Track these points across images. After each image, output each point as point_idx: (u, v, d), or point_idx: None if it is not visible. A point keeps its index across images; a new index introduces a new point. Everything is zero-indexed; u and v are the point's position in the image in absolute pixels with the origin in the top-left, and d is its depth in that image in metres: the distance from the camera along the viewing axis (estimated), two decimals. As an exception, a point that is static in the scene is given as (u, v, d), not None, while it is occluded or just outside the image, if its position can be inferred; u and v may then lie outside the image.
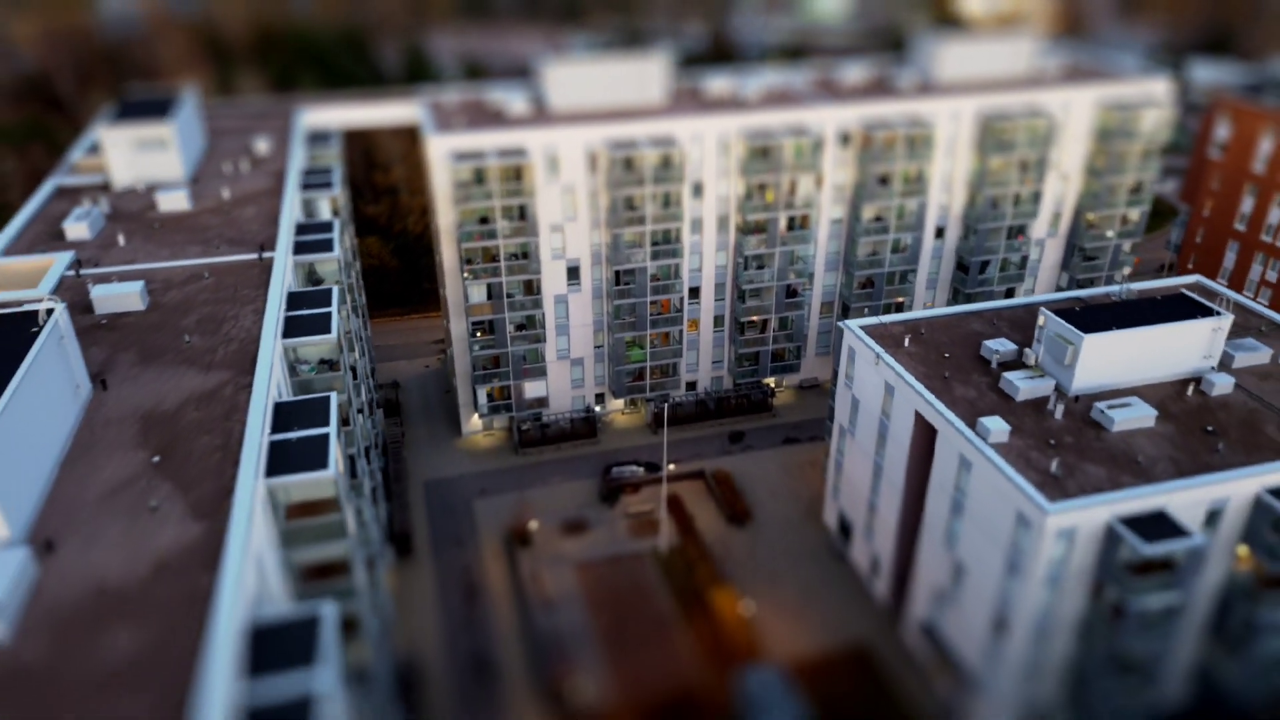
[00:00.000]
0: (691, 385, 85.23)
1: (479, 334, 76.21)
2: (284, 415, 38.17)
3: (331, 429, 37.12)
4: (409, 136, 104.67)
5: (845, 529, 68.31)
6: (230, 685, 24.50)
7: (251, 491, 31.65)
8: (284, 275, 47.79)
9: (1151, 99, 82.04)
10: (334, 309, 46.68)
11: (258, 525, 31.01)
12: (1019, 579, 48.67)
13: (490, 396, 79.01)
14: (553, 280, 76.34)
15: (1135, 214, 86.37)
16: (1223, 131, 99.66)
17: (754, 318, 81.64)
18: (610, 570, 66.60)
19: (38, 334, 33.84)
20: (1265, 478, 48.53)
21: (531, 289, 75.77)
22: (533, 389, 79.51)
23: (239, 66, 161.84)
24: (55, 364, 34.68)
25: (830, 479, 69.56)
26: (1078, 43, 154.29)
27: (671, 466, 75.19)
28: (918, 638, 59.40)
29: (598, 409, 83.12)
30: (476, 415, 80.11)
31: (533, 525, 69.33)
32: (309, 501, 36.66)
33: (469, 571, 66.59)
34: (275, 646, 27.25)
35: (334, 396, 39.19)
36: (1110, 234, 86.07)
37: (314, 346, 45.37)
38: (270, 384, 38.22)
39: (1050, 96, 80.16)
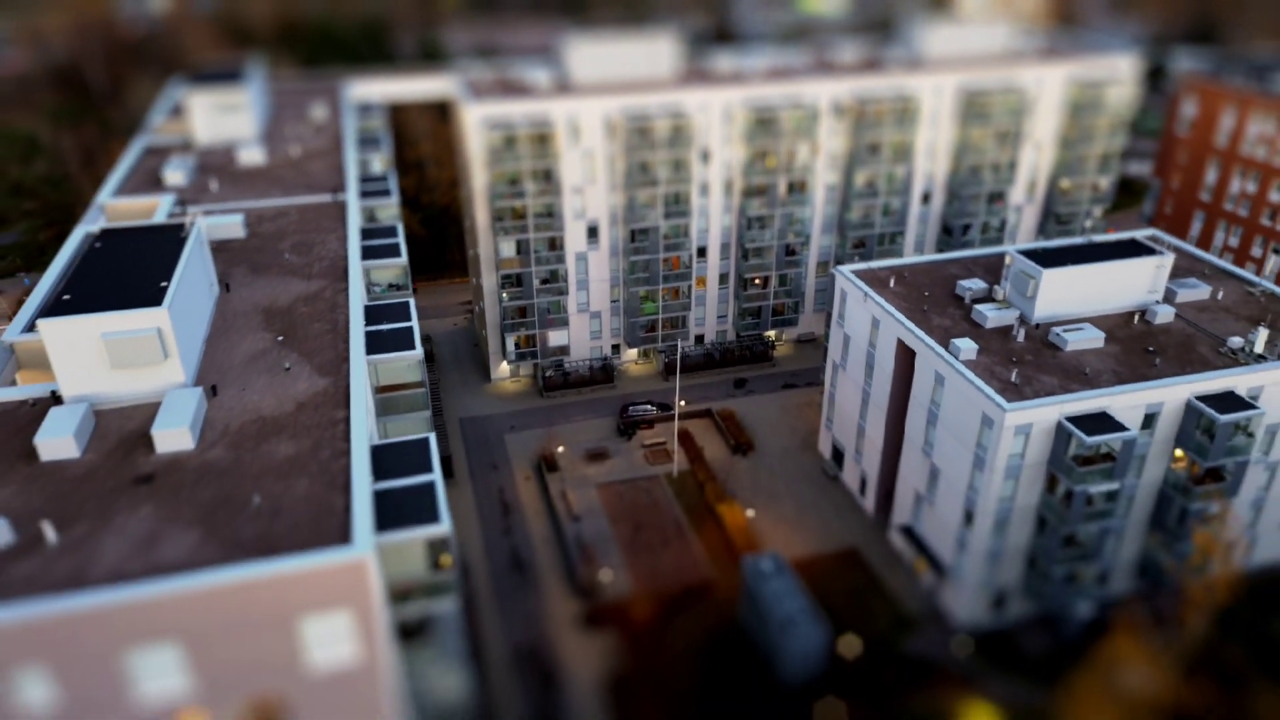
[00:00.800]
0: (699, 338, 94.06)
1: (508, 286, 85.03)
2: (372, 314, 47.03)
3: (414, 323, 45.99)
4: (436, 113, 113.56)
5: (838, 455, 77.20)
6: (368, 473, 33.33)
7: (364, 356, 40.55)
8: (356, 212, 56.69)
9: (1117, 76, 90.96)
10: (400, 240, 55.54)
11: (365, 387, 39.84)
12: (983, 473, 57.51)
13: (517, 344, 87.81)
14: (574, 238, 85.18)
15: (1104, 182, 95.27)
16: (1189, 110, 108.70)
17: (756, 275, 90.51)
18: (628, 490, 75.46)
19: (186, 239, 42.64)
20: (1195, 386, 57.38)
21: (555, 245, 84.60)
22: (556, 338, 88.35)
23: (264, 55, 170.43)
24: (199, 263, 43.46)
25: (824, 412, 78.45)
26: (1068, 34, 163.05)
27: (682, 404, 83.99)
28: (900, 539, 68.29)
29: (614, 358, 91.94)
30: (505, 362, 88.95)
31: (560, 450, 78.18)
32: (395, 384, 45.48)
33: (503, 492, 75.43)
34: (397, 457, 36.09)
35: (411, 300, 48.08)
36: (1083, 201, 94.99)
37: (386, 270, 54.22)
38: (361, 288, 47.12)
39: (1025, 73, 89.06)
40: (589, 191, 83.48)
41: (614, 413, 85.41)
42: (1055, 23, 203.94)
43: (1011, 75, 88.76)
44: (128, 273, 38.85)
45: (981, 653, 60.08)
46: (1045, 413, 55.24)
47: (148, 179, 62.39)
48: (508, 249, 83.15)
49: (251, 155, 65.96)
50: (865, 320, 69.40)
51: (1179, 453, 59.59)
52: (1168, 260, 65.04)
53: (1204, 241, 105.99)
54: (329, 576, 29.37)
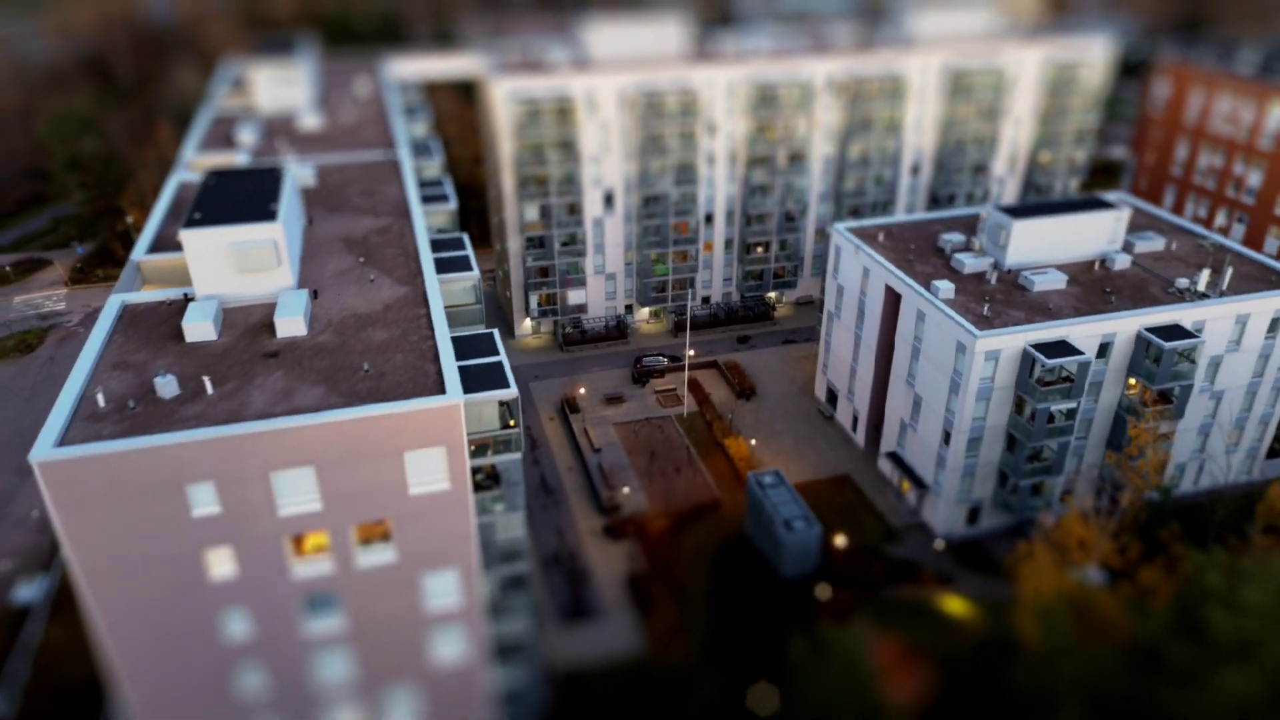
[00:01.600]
0: (706, 299, 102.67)
1: (531, 248, 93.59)
2: (432, 245, 55.57)
3: (469, 252, 54.57)
4: (461, 95, 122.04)
5: (832, 397, 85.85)
6: (451, 349, 41.87)
7: (434, 272, 49.18)
8: (410, 166, 65.34)
9: (1089, 58, 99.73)
10: (448, 189, 64.11)
11: (439, 293, 48.32)
12: (959, 395, 66.16)
13: (539, 303, 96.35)
14: (591, 204, 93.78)
15: (1079, 155, 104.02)
16: (1162, 91, 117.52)
17: (758, 240, 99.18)
18: (643, 427, 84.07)
19: (282, 176, 51.22)
20: (1144, 319, 66.06)
21: (574, 210, 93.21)
22: (575, 296, 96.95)
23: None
24: (294, 197, 52.07)
25: (820, 359, 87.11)
26: (1060, 26, 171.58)
27: (691, 353, 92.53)
28: (887, 464, 76.95)
29: (627, 316, 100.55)
30: (528, 319, 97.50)
31: (581, 391, 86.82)
32: (455, 304, 53.97)
33: (531, 429, 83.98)
34: (469, 344, 44.65)
35: (465, 236, 56.69)
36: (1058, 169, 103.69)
37: (437, 215, 62.81)
38: (424, 222, 55.75)
39: (1005, 54, 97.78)
40: (605, 161, 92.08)
41: (628, 364, 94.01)
42: (1050, 16, 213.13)
43: (992, 56, 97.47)
44: (242, 200, 47.37)
45: (957, 557, 68.73)
46: (1012, 340, 63.88)
47: (221, 140, 70.97)
48: (532, 213, 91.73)
49: (309, 121, 74.60)
50: (857, 271, 78.08)
51: (1132, 381, 68.18)
52: (1124, 214, 73.74)
53: (1175, 213, 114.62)
54: (428, 418, 37.88)
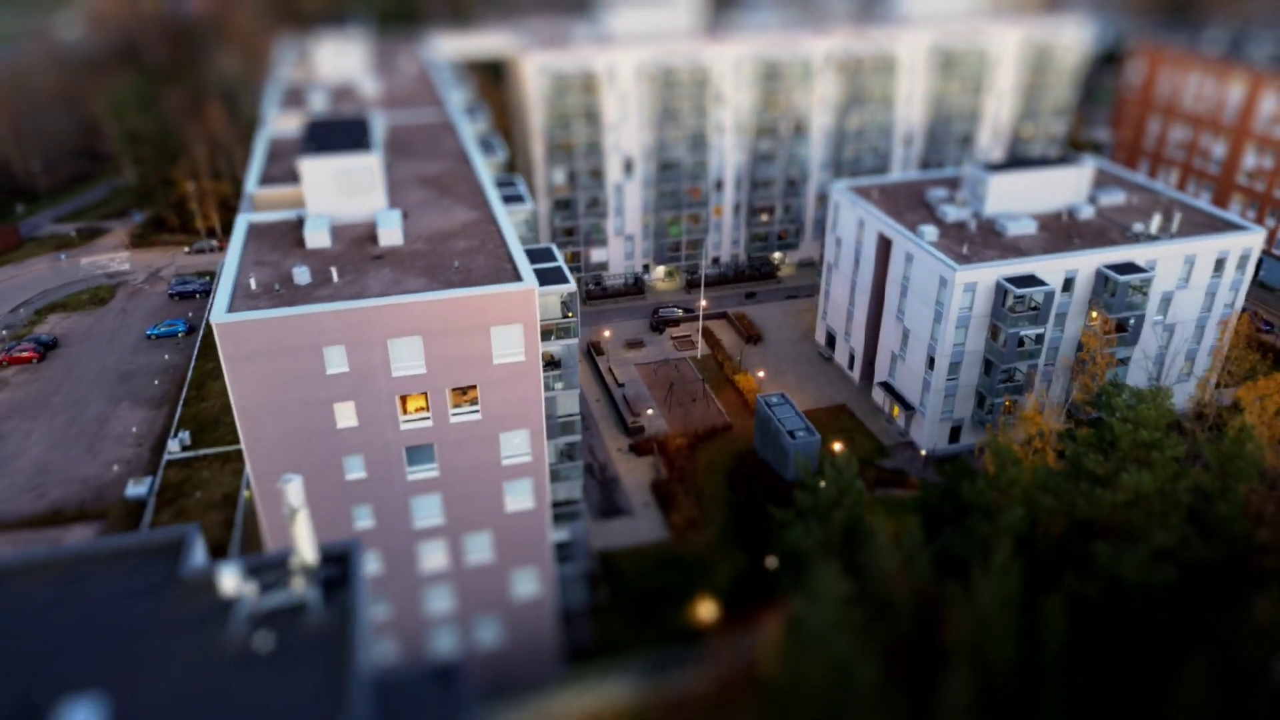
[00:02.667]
0: (716, 259, 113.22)
1: (558, 210, 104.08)
2: (495, 185, 66.10)
3: (524, 189, 65.06)
4: (488, 74, 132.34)
5: (830, 340, 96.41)
6: (523, 252, 52.32)
7: (500, 200, 59.66)
8: (465, 123, 75.87)
9: (1064, 38, 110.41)
10: (497, 145, 74.62)
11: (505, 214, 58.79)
12: (941, 324, 76.70)
13: (565, 261, 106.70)
14: (613, 170, 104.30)
15: (1058, 128, 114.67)
16: (1137, 72, 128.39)
17: (764, 205, 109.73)
18: (661, 367, 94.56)
19: (370, 121, 61.69)
20: (1103, 256, 76.62)
21: (597, 175, 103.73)
22: (597, 255, 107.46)
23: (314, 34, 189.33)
24: (379, 139, 62.72)
25: (820, 307, 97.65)
26: (1053, 11, 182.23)
27: (704, 303, 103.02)
28: (879, 394, 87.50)
29: (644, 274, 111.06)
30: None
31: (606, 335, 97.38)
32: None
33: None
34: (532, 255, 55.10)
35: (520, 178, 67.21)
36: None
37: (490, 165, 73.32)
38: (484, 166, 66.27)
39: (989, 34, 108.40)
40: (625, 130, 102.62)
41: (646, 316, 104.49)
42: (1041, 6, 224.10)
43: (976, 36, 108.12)
44: (341, 137, 57.83)
45: (940, 469, 79.23)
46: (987, 273, 74.46)
47: (295, 104, 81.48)
48: (559, 177, 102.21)
49: (369, 88, 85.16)
50: (853, 224, 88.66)
51: (1094, 314, 78.69)
52: (1089, 170, 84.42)
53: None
54: (510, 299, 48.30)
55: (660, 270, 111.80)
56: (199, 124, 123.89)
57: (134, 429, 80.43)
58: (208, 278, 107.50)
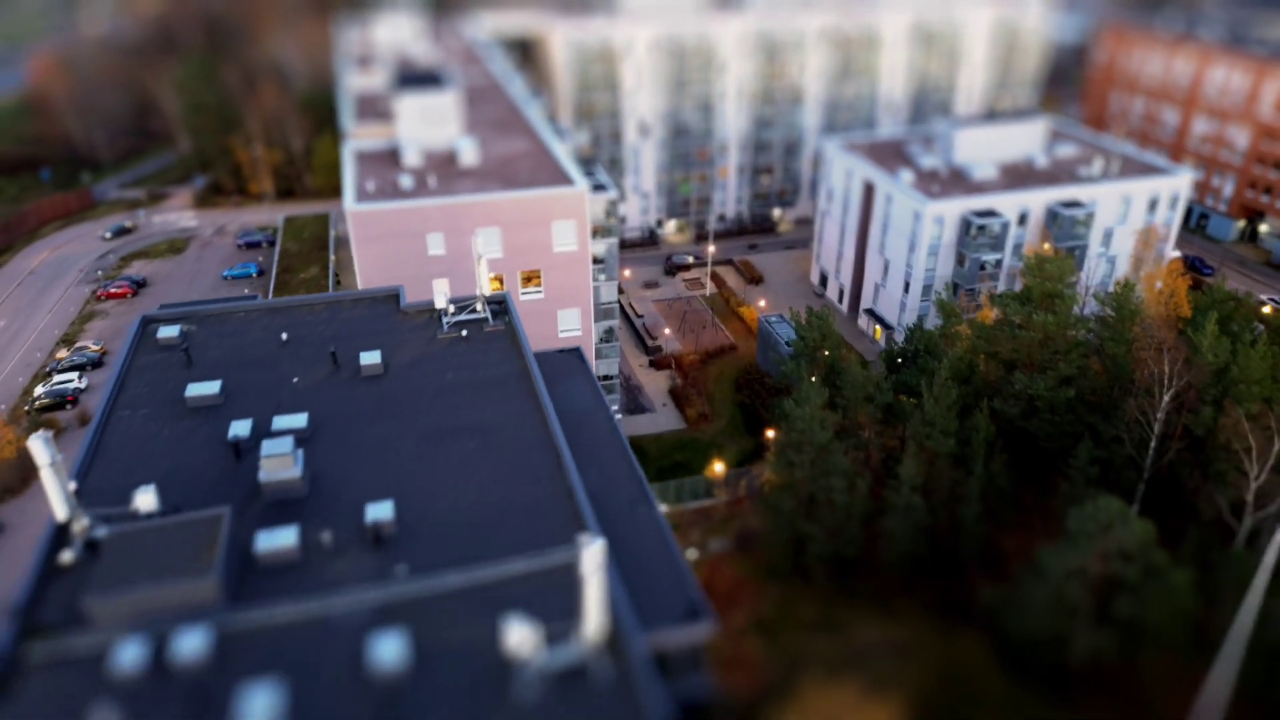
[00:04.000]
0: (722, 216, 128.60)
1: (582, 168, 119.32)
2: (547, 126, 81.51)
3: (606, 178, 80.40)
4: (518, 51, 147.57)
5: (824, 279, 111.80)
6: (573, 164, 67.61)
7: (551, 134, 75.05)
8: (518, 83, 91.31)
9: (1029, 17, 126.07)
10: (539, 102, 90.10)
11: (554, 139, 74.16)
12: (915, 252, 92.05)
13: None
14: (630, 133, 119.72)
15: (1026, 99, 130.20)
16: (1102, 51, 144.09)
17: (765, 166, 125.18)
18: (674, 303, 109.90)
19: (444, 72, 77.16)
20: (1051, 194, 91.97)
21: (616, 138, 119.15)
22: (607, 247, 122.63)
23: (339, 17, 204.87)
24: (451, 85, 78.13)
25: (814, 251, 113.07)
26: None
27: (711, 249, 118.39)
28: (865, 319, 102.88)
29: (658, 228, 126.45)
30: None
31: (626, 274, 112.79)
32: (553, 167, 79.71)
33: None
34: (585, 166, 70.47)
35: (601, 168, 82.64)
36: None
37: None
38: (536, 110, 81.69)
39: (962, 13, 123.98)
40: (640, 97, 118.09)
41: (660, 264, 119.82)
42: None
43: (951, 14, 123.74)
44: (425, 81, 73.23)
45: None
46: (953, 207, 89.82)
47: (364, 69, 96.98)
48: (583, 140, 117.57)
49: (424, 53, 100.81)
50: (842, 174, 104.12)
51: (1046, 244, 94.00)
52: (1044, 124, 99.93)
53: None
54: (566, 199, 63.54)
55: (672, 224, 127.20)
56: (254, 98, 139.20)
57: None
58: (270, 230, 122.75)
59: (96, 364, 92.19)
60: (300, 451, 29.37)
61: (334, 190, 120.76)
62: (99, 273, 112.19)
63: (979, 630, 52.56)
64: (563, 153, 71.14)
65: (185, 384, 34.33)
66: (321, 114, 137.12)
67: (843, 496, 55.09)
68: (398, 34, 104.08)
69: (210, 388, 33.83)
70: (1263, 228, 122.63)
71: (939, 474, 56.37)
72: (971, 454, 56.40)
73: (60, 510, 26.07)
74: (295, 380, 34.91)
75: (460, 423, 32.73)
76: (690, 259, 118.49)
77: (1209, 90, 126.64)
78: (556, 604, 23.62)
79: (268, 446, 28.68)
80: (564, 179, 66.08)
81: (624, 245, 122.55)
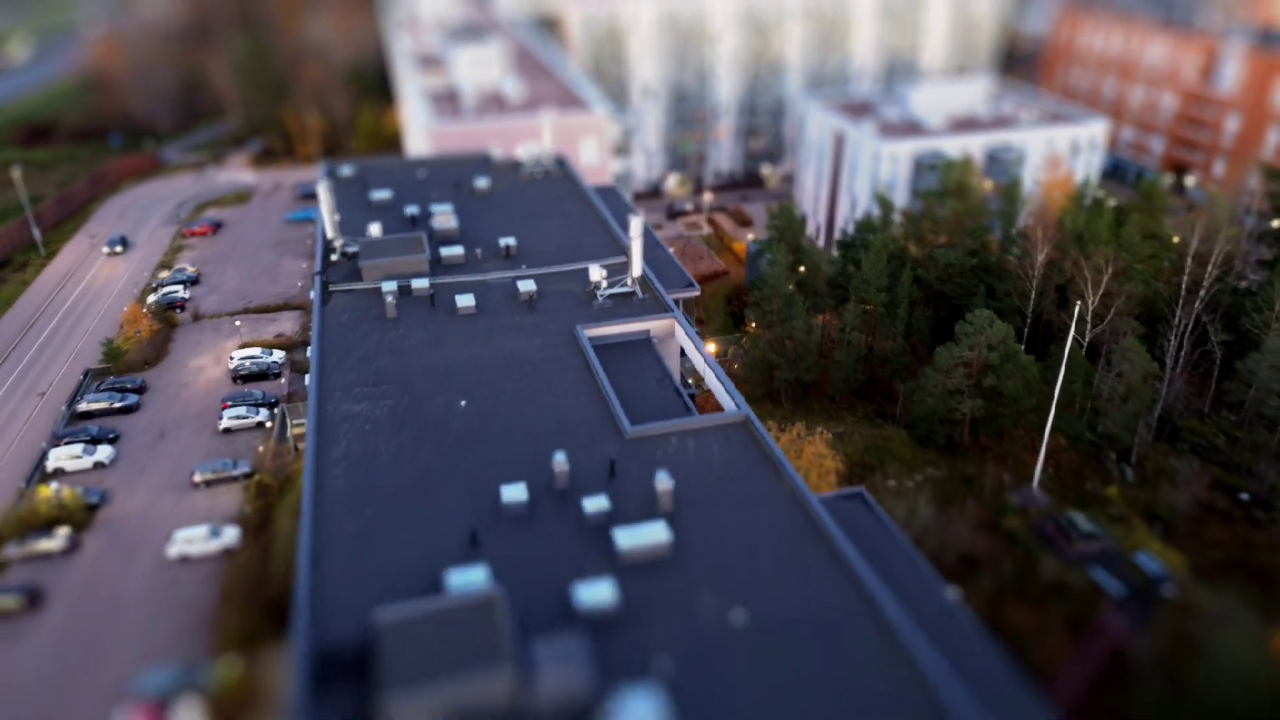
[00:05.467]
0: (718, 172, 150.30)
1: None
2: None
3: (602, 99, 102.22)
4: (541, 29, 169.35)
5: (803, 219, 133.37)
6: (598, 100, 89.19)
7: (580, 81, 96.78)
8: (540, 48, 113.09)
9: (984, 2, 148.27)
10: (576, 68, 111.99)
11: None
12: (875, 187, 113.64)
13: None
14: (636, 98, 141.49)
15: (981, 68, 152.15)
16: (1062, 30, 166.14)
17: (755, 127, 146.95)
18: (675, 240, 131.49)
19: (485, 33, 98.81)
20: (987, 139, 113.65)
21: (624, 101, 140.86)
22: (624, 165, 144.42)
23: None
24: (494, 40, 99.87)
25: (796, 196, 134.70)
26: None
27: (708, 198, 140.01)
28: (836, 252, 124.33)
29: (661, 181, 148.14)
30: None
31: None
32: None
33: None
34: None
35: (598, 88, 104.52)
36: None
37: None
38: (570, 64, 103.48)
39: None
40: (645, 63, 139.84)
41: (664, 211, 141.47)
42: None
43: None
44: (472, 39, 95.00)
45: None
46: (905, 148, 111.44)
47: (415, 32, 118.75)
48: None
49: (461, 19, 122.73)
50: (818, 126, 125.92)
51: (989, 182, 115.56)
52: (985, 83, 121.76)
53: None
54: (590, 121, 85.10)
55: (674, 179, 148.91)
56: (303, 72, 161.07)
57: (301, 267, 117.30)
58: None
59: (194, 281, 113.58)
60: (455, 215, 50.84)
61: (375, 151, 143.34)
62: (180, 216, 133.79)
63: (898, 425, 74.00)
64: (589, 90, 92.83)
65: (369, 193, 55.82)
66: (362, 85, 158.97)
67: (802, 335, 76.45)
68: (440, 8, 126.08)
69: (385, 193, 55.34)
70: (1188, 180, 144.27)
71: (873, 320, 77.86)
72: (898, 305, 77.83)
73: (331, 231, 47.53)
74: (435, 193, 56.43)
75: (542, 212, 54.22)
76: (690, 207, 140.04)
77: (1144, 62, 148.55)
78: (615, 268, 45.18)
79: (436, 210, 50.13)
80: (587, 107, 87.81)
81: (630, 197, 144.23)
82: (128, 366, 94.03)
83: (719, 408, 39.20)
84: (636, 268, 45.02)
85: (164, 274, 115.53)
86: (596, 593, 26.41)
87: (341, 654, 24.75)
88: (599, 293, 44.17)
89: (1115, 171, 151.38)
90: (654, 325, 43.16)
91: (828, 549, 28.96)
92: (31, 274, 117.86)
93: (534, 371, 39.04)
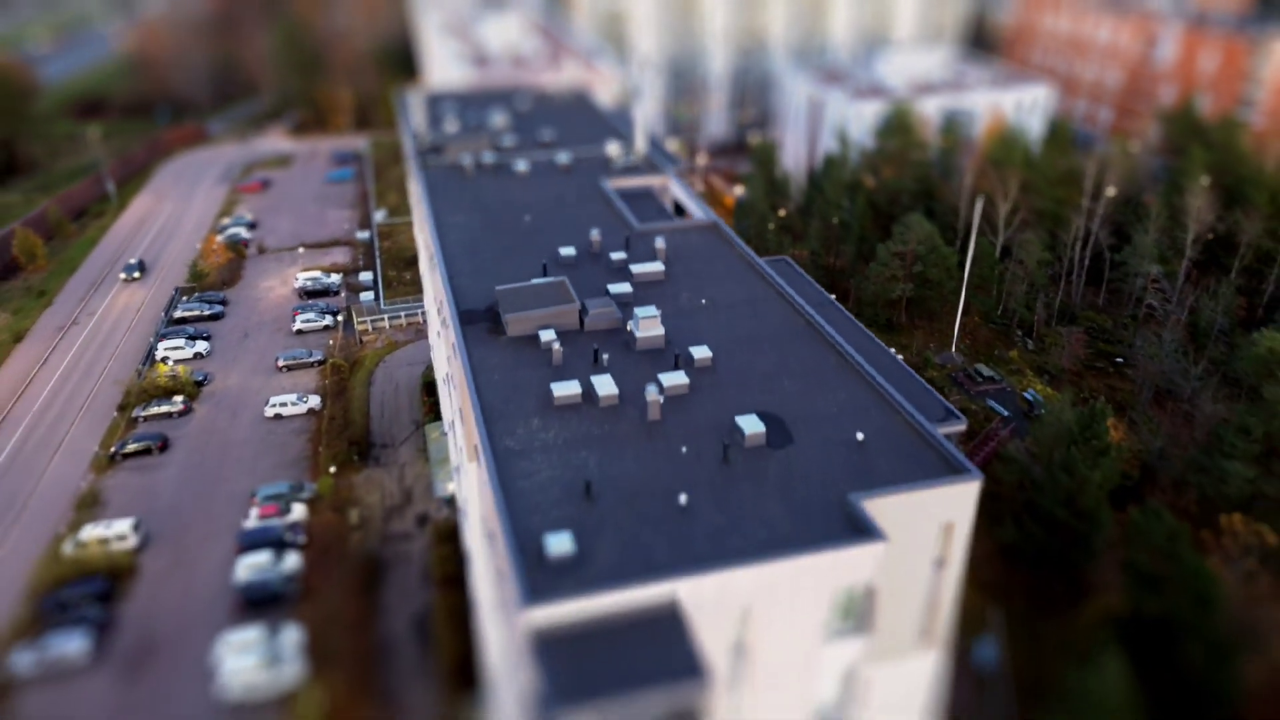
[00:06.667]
0: (711, 140, 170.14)
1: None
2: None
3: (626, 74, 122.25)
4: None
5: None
6: (613, 67, 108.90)
7: (592, 46, 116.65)
8: (558, 22, 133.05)
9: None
10: (573, 30, 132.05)
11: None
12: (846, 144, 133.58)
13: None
14: (636, 68, 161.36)
15: (949, 36, 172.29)
16: (1022, 10, 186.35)
17: (743, 97, 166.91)
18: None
19: (507, 10, 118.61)
20: (945, 100, 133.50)
21: (628, 71, 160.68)
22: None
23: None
24: (514, 15, 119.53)
25: (778, 156, 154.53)
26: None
27: (702, 161, 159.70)
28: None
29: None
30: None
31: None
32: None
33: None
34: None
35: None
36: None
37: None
38: (577, 34, 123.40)
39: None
40: (646, 36, 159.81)
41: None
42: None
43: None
44: (497, 10, 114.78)
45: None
46: (870, 107, 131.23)
47: (458, 27, 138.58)
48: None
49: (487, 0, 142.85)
50: (796, 91, 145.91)
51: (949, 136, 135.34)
52: (945, 54, 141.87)
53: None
54: (599, 76, 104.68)
55: (671, 143, 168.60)
56: (335, 53, 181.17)
57: (345, 214, 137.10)
58: (355, 151, 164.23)
59: (252, 226, 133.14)
60: (508, 118, 70.46)
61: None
62: (231, 176, 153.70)
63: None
64: (594, 53, 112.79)
65: (440, 108, 75.38)
66: (388, 63, 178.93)
67: (774, 246, 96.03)
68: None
69: (452, 109, 74.96)
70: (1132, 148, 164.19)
71: (832, 233, 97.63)
72: (854, 223, 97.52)
73: (420, 127, 67.13)
74: (488, 110, 76.06)
75: (569, 119, 73.85)
76: (686, 165, 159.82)
77: (1094, 42, 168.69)
78: (625, 148, 64.87)
79: (494, 116, 69.79)
80: (596, 65, 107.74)
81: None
82: (210, 285, 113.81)
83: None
84: (641, 144, 64.45)
85: (225, 220, 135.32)
86: (620, 288, 46.07)
87: (477, 312, 44.33)
88: (615, 164, 63.65)
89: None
90: (654, 180, 62.59)
91: (759, 276, 48.54)
92: (109, 219, 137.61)
93: (573, 203, 58.52)
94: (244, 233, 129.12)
